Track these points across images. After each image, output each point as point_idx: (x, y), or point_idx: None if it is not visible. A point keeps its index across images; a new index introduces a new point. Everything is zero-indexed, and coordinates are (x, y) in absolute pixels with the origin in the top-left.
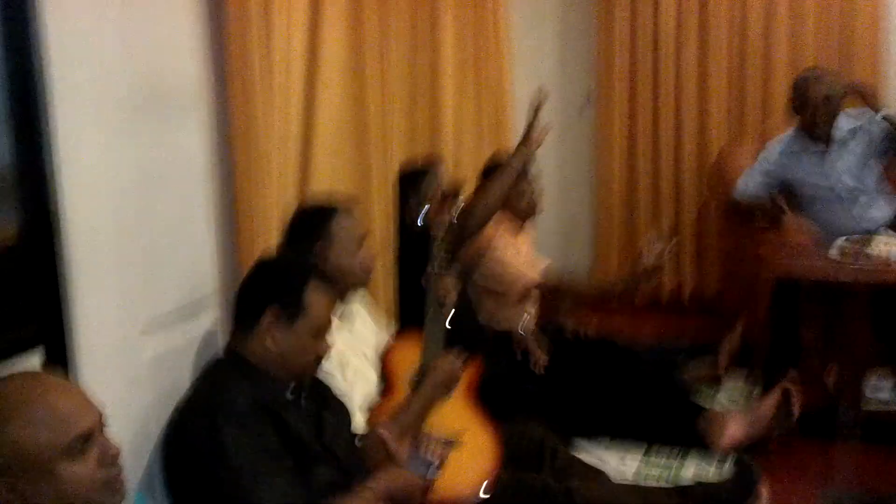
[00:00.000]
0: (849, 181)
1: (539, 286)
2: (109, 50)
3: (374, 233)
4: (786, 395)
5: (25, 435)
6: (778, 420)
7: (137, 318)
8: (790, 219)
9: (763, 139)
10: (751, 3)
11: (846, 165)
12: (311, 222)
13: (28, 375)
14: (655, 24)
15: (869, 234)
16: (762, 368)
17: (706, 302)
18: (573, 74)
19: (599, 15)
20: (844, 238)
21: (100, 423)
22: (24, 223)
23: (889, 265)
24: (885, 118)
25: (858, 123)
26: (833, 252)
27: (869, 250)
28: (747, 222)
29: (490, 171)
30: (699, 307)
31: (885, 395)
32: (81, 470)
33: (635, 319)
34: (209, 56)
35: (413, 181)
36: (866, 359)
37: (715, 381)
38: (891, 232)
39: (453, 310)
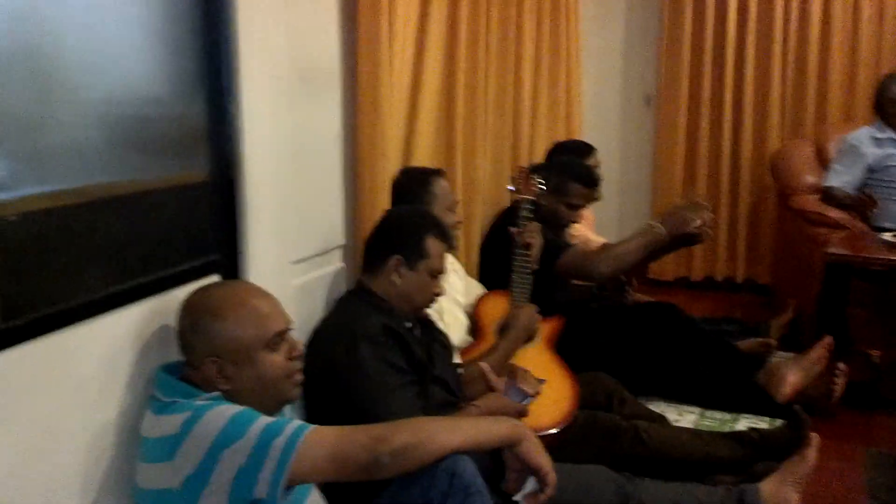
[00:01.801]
0: None
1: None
2: (276, 39)
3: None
4: (831, 372)
5: (237, 328)
6: (820, 385)
7: (287, 253)
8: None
9: (819, 140)
10: (810, 10)
11: None
12: (417, 183)
13: (235, 282)
14: (720, 27)
15: None
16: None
17: (758, 286)
18: (638, 72)
19: (666, 17)
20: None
21: (288, 325)
22: (213, 167)
23: None
24: None
25: None
26: (885, 236)
27: None
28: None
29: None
30: (752, 290)
31: None
32: (276, 359)
33: (690, 298)
34: (345, 48)
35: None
36: None
37: (765, 358)
38: None
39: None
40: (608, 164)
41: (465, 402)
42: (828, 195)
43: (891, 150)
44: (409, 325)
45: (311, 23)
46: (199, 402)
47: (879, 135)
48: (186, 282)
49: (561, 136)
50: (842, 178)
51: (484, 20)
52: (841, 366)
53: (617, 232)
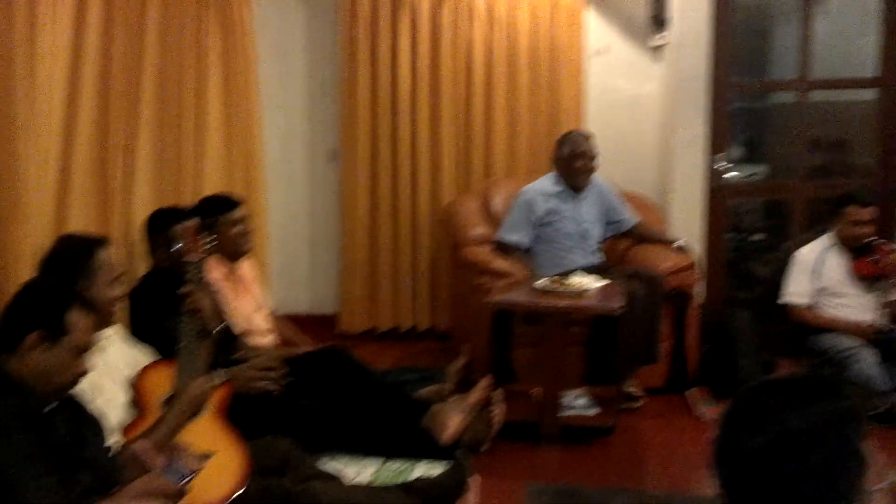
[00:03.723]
0: (588, 227)
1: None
2: None
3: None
4: (488, 404)
5: None
6: (482, 420)
7: None
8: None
9: (485, 194)
10: (474, 78)
11: (589, 213)
12: (75, 254)
13: None
14: (394, 89)
15: (567, 273)
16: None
17: (440, 333)
18: (321, 129)
19: (344, 79)
20: (546, 278)
21: None
22: None
23: (583, 293)
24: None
25: (597, 184)
26: (539, 284)
27: (568, 282)
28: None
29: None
30: (434, 337)
31: (581, 403)
32: None
33: (379, 349)
34: None
35: (162, 224)
36: (566, 376)
37: (445, 400)
38: (584, 273)
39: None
40: (296, 218)
41: (122, 485)
42: (501, 248)
43: (559, 205)
44: (50, 407)
45: None
46: None
47: (552, 189)
48: None
49: (238, 192)
50: (516, 234)
51: (150, 76)
52: (496, 394)
53: (310, 286)
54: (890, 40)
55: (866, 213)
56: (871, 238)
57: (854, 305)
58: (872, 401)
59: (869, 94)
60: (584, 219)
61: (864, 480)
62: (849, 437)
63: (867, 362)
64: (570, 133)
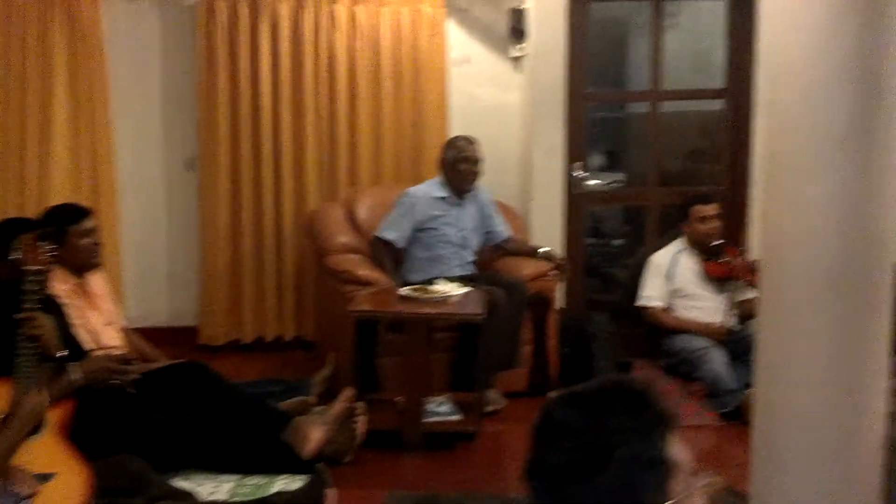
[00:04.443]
0: (468, 234)
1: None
2: None
3: None
4: (350, 416)
5: None
6: (344, 431)
7: None
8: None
9: (349, 202)
10: (338, 85)
11: (470, 221)
12: None
13: None
14: (255, 97)
15: (430, 280)
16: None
17: (306, 343)
18: (178, 137)
19: (201, 85)
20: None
21: None
22: None
23: (446, 300)
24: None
25: (478, 193)
26: (402, 291)
27: (431, 289)
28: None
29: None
30: (300, 347)
31: (444, 409)
32: None
33: (242, 361)
34: None
35: (3, 236)
36: (430, 383)
37: (309, 412)
38: (446, 281)
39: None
40: (153, 228)
41: None
42: (376, 245)
43: (443, 210)
44: None
45: None
46: None
47: (436, 194)
48: None
49: (87, 202)
50: (394, 232)
51: None
52: (359, 406)
53: (169, 298)
54: (735, 53)
55: (710, 209)
56: (720, 241)
57: (705, 307)
58: (722, 399)
59: (717, 105)
60: (466, 226)
61: (670, 485)
62: (651, 446)
63: (717, 362)
64: (455, 137)
